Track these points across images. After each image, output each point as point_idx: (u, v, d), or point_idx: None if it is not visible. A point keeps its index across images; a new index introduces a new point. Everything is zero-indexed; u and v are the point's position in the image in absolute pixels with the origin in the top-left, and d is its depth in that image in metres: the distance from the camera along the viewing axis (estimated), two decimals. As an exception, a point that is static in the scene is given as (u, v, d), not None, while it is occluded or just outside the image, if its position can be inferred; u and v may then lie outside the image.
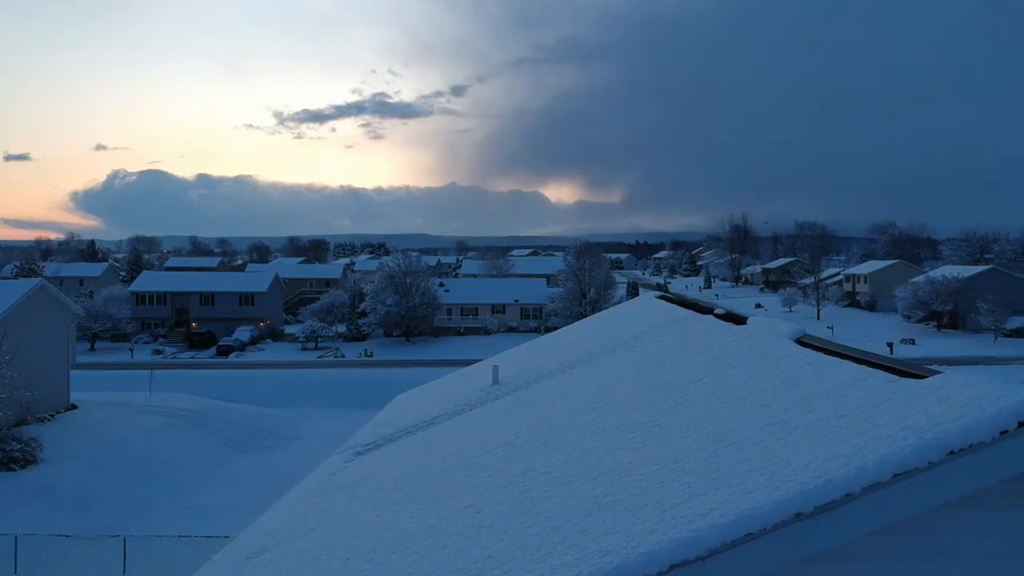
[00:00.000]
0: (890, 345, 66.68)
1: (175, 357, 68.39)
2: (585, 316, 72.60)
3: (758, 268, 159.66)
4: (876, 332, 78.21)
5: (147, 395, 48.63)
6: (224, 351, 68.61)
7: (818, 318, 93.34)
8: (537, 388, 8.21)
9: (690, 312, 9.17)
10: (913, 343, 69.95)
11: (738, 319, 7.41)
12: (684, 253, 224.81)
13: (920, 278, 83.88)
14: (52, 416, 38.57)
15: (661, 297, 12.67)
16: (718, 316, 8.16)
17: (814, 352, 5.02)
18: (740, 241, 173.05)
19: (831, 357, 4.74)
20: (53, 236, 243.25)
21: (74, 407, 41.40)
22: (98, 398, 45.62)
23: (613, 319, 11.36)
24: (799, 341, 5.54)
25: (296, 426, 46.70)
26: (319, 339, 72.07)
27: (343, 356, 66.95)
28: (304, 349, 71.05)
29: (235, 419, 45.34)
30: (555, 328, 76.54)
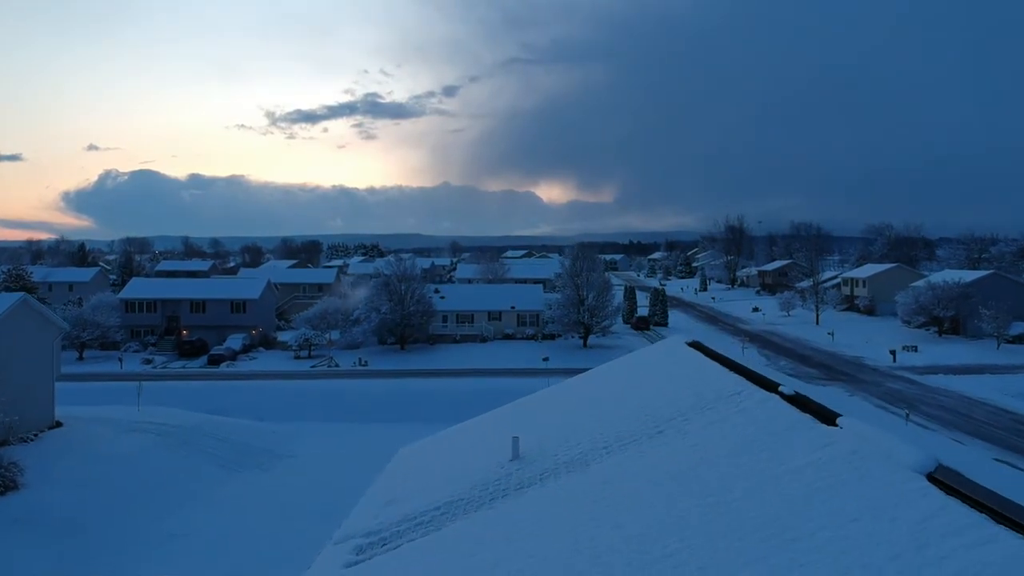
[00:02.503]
0: (892, 352, 65.70)
1: (165, 366, 66.91)
2: (583, 323, 71.64)
3: (754, 270, 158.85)
4: (877, 338, 77.31)
5: (135, 409, 47.19)
6: (215, 360, 67.16)
7: (817, 322, 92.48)
8: (569, 482, 6.98)
9: (744, 381, 7.91)
10: (915, 350, 68.96)
11: (822, 413, 6.17)
12: (679, 254, 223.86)
13: (921, 283, 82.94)
14: (35, 436, 37.16)
15: (693, 345, 11.45)
16: (786, 398, 6.93)
17: (971, 510, 3.80)
18: (735, 242, 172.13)
19: (1007, 529, 3.52)
20: (44, 237, 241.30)
21: (59, 424, 39.97)
22: (84, 413, 44.15)
23: (645, 376, 10.13)
24: (934, 479, 4.31)
25: (289, 441, 45.33)
26: (312, 347, 70.75)
27: (337, 365, 65.56)
28: (297, 357, 69.68)
29: (226, 435, 43.94)
30: (552, 336, 75.47)
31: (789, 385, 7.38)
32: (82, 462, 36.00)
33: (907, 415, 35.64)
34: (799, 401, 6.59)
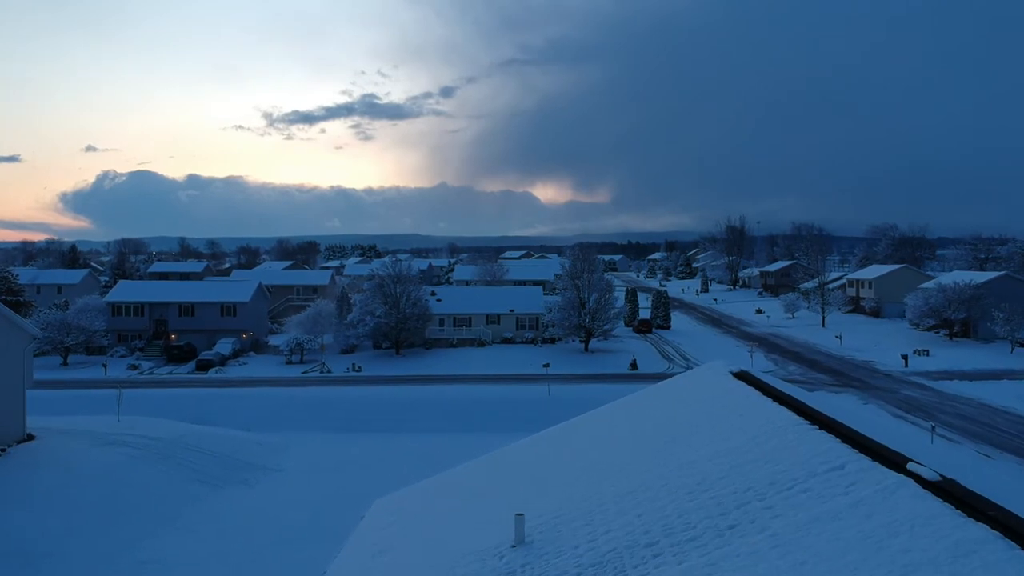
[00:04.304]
0: (904, 357, 63.51)
1: (152, 372, 64.58)
2: (584, 327, 69.19)
3: (755, 271, 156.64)
4: (885, 341, 75.15)
5: (115, 420, 44.86)
6: (203, 366, 64.85)
7: (823, 325, 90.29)
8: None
9: (841, 445, 5.68)
10: (927, 354, 66.82)
11: (1009, 525, 3.90)
12: (679, 255, 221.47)
13: (930, 284, 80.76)
14: (3, 451, 34.86)
15: (741, 377, 9.24)
16: (927, 485, 4.68)
17: None
18: (736, 242, 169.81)
19: None
20: (41, 238, 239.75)
21: (30, 437, 37.62)
22: (60, 425, 41.79)
23: (688, 422, 7.88)
24: None
25: (277, 454, 43.04)
26: (304, 352, 68.44)
27: (329, 371, 63.25)
28: (289, 362, 67.38)
29: (210, 448, 41.60)
30: (552, 340, 73.09)
31: (922, 456, 5.17)
32: (53, 480, 33.67)
33: (933, 428, 33.47)
34: (956, 496, 4.32)
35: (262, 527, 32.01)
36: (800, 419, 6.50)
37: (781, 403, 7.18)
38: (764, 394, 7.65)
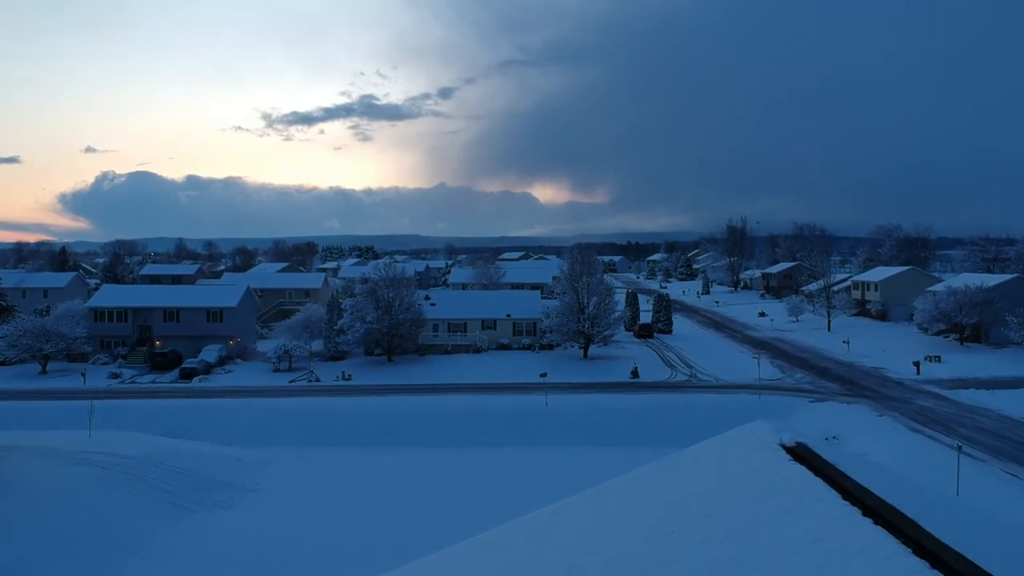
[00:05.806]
0: (916, 364, 61.05)
1: (134, 381, 62.06)
2: (583, 333, 66.54)
3: (757, 272, 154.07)
4: (894, 346, 72.71)
5: (87, 435, 42.34)
6: (187, 374, 62.32)
7: (828, 329, 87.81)
8: None
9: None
10: (938, 360, 64.36)
11: None
12: (679, 256, 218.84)
13: (939, 287, 78.33)
14: (-43, 473, 32.34)
15: (800, 457, 6.84)
16: None
17: None
18: (737, 243, 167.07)
19: None
20: (39, 239, 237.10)
21: (-9, 457, 35.12)
22: (26, 441, 39.34)
23: (734, 543, 5.45)
24: None
25: (256, 471, 40.54)
26: (292, 359, 65.94)
27: (318, 379, 60.78)
28: (276, 370, 64.88)
29: (185, 465, 39.10)
30: (550, 346, 70.50)
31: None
32: (9, 504, 31.22)
33: (959, 448, 31.08)
34: None
35: (236, 555, 29.56)
36: (918, 561, 4.08)
37: (873, 516, 4.75)
38: (845, 497, 5.21)
